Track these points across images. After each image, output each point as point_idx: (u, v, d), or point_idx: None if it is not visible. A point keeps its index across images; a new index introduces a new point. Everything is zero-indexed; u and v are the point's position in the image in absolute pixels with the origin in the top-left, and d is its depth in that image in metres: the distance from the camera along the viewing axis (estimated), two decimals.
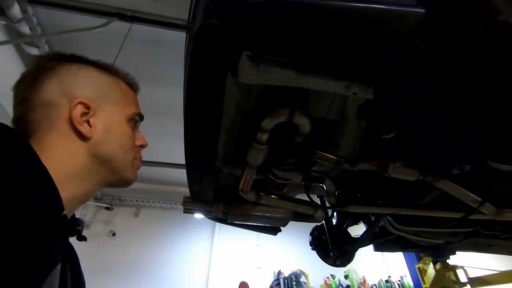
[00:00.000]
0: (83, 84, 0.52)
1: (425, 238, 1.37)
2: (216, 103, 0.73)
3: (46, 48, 1.77)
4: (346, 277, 3.59)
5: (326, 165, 1.12)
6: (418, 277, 2.38)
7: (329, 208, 1.14)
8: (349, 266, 4.02)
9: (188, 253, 3.57)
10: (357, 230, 1.47)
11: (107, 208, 3.67)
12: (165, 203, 3.78)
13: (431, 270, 1.93)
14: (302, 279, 3.29)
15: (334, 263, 1.39)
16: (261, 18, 0.50)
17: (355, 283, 3.48)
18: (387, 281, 3.64)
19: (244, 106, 0.85)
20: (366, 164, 0.92)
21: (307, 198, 1.32)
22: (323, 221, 1.44)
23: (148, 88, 2.15)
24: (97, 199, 3.64)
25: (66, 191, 0.43)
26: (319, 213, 1.27)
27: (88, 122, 0.50)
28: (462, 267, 2.10)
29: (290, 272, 3.45)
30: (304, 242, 3.89)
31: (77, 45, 1.85)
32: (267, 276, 3.55)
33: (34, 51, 1.73)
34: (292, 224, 1.63)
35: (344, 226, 1.43)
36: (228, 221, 1.31)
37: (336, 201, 1.08)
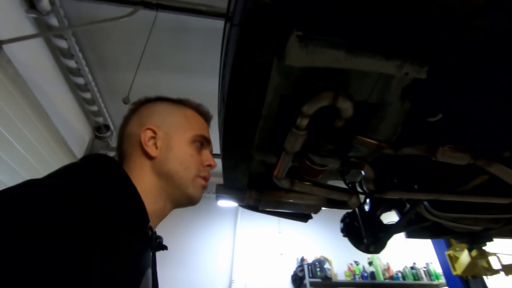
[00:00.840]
0: (153, 115, 0.62)
1: (464, 225, 1.32)
2: (261, 88, 0.71)
3: (73, 40, 1.80)
4: (370, 263, 3.56)
5: (363, 150, 1.09)
6: (447, 264, 2.33)
7: (366, 194, 1.11)
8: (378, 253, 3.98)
9: (212, 240, 3.66)
10: (386, 217, 1.43)
11: None
12: None
13: (464, 257, 1.88)
14: (326, 265, 3.30)
15: (367, 250, 1.37)
16: None
17: (380, 270, 3.45)
18: (412, 268, 3.59)
19: (282, 90, 0.82)
20: (411, 148, 0.88)
21: (338, 185, 1.30)
22: (356, 208, 1.41)
23: (172, 77, 2.16)
24: None
25: (147, 207, 0.50)
26: (353, 200, 1.25)
27: (155, 145, 0.59)
28: (495, 254, 2.03)
29: (313, 258, 3.46)
30: (327, 229, 3.91)
31: (103, 36, 1.87)
32: (290, 263, 3.59)
33: (62, 43, 1.77)
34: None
35: (377, 213, 1.40)
36: (260, 209, 1.31)
37: (374, 187, 1.06)
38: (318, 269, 3.26)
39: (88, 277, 0.31)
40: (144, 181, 0.55)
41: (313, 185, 1.18)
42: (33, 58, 1.76)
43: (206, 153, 0.68)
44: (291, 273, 3.46)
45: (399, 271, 3.55)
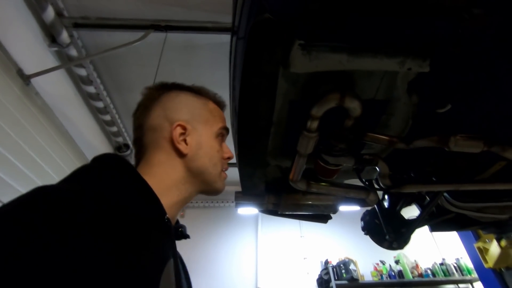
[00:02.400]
0: (181, 108, 0.61)
1: (489, 214, 1.29)
2: (270, 96, 0.75)
3: (91, 68, 1.92)
4: (397, 262, 3.46)
5: (376, 147, 1.10)
6: (477, 257, 2.24)
7: (383, 190, 1.12)
8: (399, 251, 3.88)
9: (234, 248, 3.68)
10: (408, 212, 1.42)
11: None
12: (207, 202, 3.93)
13: (494, 248, 1.81)
14: (351, 266, 3.24)
15: (390, 247, 1.36)
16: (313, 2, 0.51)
17: (407, 268, 3.35)
18: (441, 264, 3.46)
19: (291, 96, 0.86)
20: (423, 141, 0.89)
21: (355, 183, 1.31)
22: (375, 205, 1.41)
23: None
24: None
25: (167, 199, 0.51)
26: (371, 197, 1.25)
27: (185, 140, 0.58)
28: None
29: (337, 260, 3.41)
30: (349, 230, 3.85)
31: (118, 61, 1.98)
32: (315, 266, 3.55)
33: (81, 72, 1.89)
34: (334, 214, 1.62)
35: (397, 208, 1.40)
36: (279, 212, 1.34)
37: (390, 182, 1.06)
38: (343, 271, 3.21)
39: (97, 273, 0.31)
40: (169, 176, 0.55)
41: (330, 185, 1.19)
42: (57, 88, 1.89)
43: (225, 145, 0.68)
44: (316, 276, 3.42)
45: (428, 268, 3.43)
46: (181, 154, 0.57)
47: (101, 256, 0.32)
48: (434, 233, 4.00)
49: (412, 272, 3.37)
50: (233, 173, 1.19)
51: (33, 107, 1.74)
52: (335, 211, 1.38)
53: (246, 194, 1.25)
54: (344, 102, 0.79)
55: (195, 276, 3.48)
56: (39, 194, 0.34)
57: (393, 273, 3.35)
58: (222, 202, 4.00)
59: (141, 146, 0.59)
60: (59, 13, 1.54)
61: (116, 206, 0.40)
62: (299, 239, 3.77)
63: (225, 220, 3.81)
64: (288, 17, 0.54)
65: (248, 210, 3.92)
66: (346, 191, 1.21)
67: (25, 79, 1.63)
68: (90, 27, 1.60)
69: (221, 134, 0.66)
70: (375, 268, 3.45)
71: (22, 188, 1.72)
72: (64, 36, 1.61)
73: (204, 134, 0.61)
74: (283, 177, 1.24)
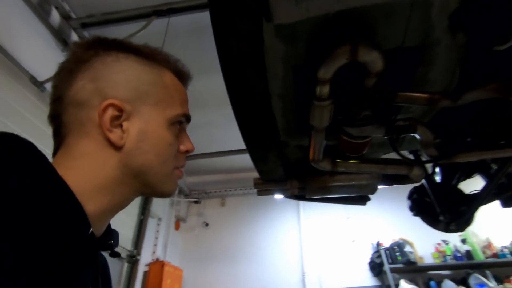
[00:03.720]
0: (119, 81, 0.43)
1: None
2: (257, 63, 0.61)
3: None
4: (463, 241, 3.05)
5: (416, 110, 0.89)
6: None
7: (428, 162, 0.91)
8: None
9: (277, 233, 3.63)
10: (469, 185, 1.16)
11: (196, 202, 4.02)
12: (246, 189, 3.92)
13: None
14: (407, 248, 2.95)
15: (447, 229, 1.13)
16: None
17: (477, 248, 2.93)
18: None
19: (293, 61, 0.71)
20: (476, 92, 0.67)
21: (395, 156, 1.10)
22: (423, 180, 1.18)
23: (202, 79, 2.17)
24: (186, 195, 4.05)
25: (94, 205, 0.38)
26: (416, 171, 1.04)
27: (121, 127, 0.42)
28: None
29: (390, 242, 3.14)
30: (400, 208, 3.48)
31: None
32: (365, 249, 3.32)
33: None
34: (382, 190, 1.41)
35: (453, 182, 1.15)
36: (307, 197, 1.20)
37: (437, 152, 0.85)
38: (397, 253, 2.93)
39: None
40: (97, 174, 0.40)
41: (360, 162, 1.02)
42: None
43: (184, 135, 0.51)
44: (367, 260, 3.20)
45: (505, 247, 2.96)
46: (114, 146, 0.41)
47: None
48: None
49: (484, 252, 2.94)
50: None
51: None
52: (372, 191, 1.19)
53: (264, 179, 1.13)
54: (357, 55, 0.61)
55: (240, 265, 3.54)
56: None
57: (459, 254, 2.97)
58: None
59: (61, 126, 0.43)
60: (66, 16, 1.57)
61: (7, 218, 0.27)
62: (346, 220, 3.55)
63: (265, 206, 3.76)
64: None
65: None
66: (382, 167, 1.02)
67: (39, 85, 1.66)
68: (96, 25, 1.60)
69: (179, 122, 0.48)
70: (437, 249, 3.09)
71: None
72: (74, 38, 1.64)
73: (151, 120, 0.44)
74: (306, 157, 1.09)
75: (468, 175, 1.18)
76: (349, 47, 0.61)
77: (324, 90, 0.70)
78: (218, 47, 0.56)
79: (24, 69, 1.59)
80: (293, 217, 3.70)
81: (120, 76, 0.44)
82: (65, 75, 0.44)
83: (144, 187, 0.45)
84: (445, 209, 1.10)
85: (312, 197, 1.21)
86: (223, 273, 3.37)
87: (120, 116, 0.42)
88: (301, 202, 3.73)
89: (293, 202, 3.74)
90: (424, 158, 1.00)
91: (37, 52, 1.63)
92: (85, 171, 0.39)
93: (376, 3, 0.53)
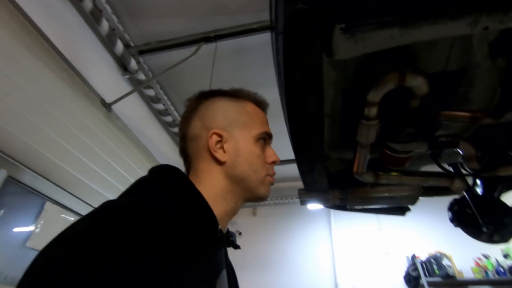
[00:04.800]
0: (216, 115, 0.60)
1: None
2: (317, 88, 0.71)
3: (158, 87, 2.17)
4: (505, 256, 2.90)
5: (456, 126, 0.94)
6: None
7: (472, 175, 0.95)
8: (508, 243, 3.21)
9: (309, 243, 3.62)
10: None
11: None
12: (277, 199, 3.97)
13: None
14: (445, 262, 2.84)
15: (490, 240, 1.14)
16: None
17: None
18: None
19: (342, 84, 0.80)
20: None
21: (435, 168, 1.15)
22: (464, 192, 1.20)
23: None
24: None
25: (217, 210, 0.51)
26: (457, 184, 1.08)
27: (222, 148, 0.57)
28: None
29: (426, 255, 3.04)
30: (437, 220, 3.40)
31: (179, 77, 2.19)
32: (399, 262, 3.23)
33: (150, 92, 2.16)
34: (417, 203, 1.43)
35: (495, 194, 1.17)
36: (348, 207, 1.26)
37: (479, 165, 0.90)
38: (435, 267, 2.84)
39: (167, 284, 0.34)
40: (214, 186, 0.55)
41: (402, 175, 1.07)
42: (133, 110, 2.22)
43: (269, 149, 0.64)
44: (402, 273, 3.11)
45: None
46: (219, 162, 0.56)
47: (161, 269, 0.34)
48: None
49: None
50: (294, 169, 1.17)
51: (115, 129, 2.07)
52: (413, 202, 1.23)
53: (309, 190, 1.21)
54: (404, 81, 0.69)
55: (272, 273, 3.56)
56: (106, 212, 0.38)
57: (502, 269, 2.82)
58: (292, 198, 4.00)
59: (187, 156, 0.61)
60: (126, 45, 1.78)
61: (173, 219, 0.41)
62: (378, 232, 3.49)
63: (296, 216, 3.79)
64: (321, 3, 0.50)
65: (318, 205, 3.82)
66: (423, 179, 1.07)
67: (107, 106, 1.91)
68: (152, 51, 1.80)
69: (262, 139, 0.62)
70: (477, 264, 2.95)
71: (106, 193, 2.14)
72: (133, 63, 1.85)
73: (241, 140, 0.59)
74: (346, 169, 1.17)
75: (510, 187, 1.19)
76: (397, 74, 0.69)
77: (372, 111, 0.78)
78: (286, 76, 0.67)
79: (96, 92, 1.84)
80: (325, 228, 3.69)
81: (216, 112, 0.61)
82: (184, 120, 0.63)
83: (246, 191, 0.58)
84: (488, 220, 1.12)
85: (354, 207, 1.27)
86: (256, 280, 3.42)
87: (221, 140, 0.57)
88: (332, 213, 3.72)
89: (324, 212, 3.74)
90: (464, 171, 1.04)
91: (104, 77, 1.86)
92: (206, 184, 0.54)
93: (423, 39, 0.62)
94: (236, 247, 0.60)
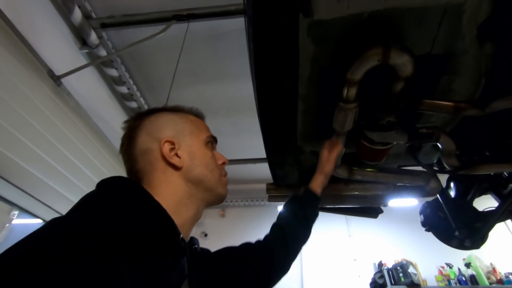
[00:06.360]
0: (163, 127, 0.62)
1: None
2: (291, 62, 0.62)
3: (122, 69, 1.98)
4: (467, 265, 2.98)
5: (436, 119, 0.89)
6: None
7: (449, 173, 0.90)
8: (469, 252, 3.36)
9: None
10: (479, 204, 1.14)
11: None
12: (247, 201, 3.87)
13: None
14: (411, 269, 2.87)
15: (461, 245, 1.11)
16: None
17: (482, 272, 2.86)
18: None
19: (320, 62, 0.71)
20: (505, 101, 0.67)
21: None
22: (437, 195, 1.16)
23: (214, 86, 2.19)
24: None
25: (178, 218, 0.51)
26: (433, 184, 1.03)
27: (176, 155, 0.59)
28: None
29: (393, 263, 3.06)
30: (404, 228, 3.46)
31: (147, 59, 2.03)
32: (366, 268, 3.24)
33: (113, 72, 1.97)
34: (385, 211, 1.38)
35: (468, 198, 1.14)
36: (319, 206, 1.18)
37: (458, 162, 0.84)
38: (401, 274, 2.86)
39: None
40: (173, 193, 0.56)
41: (377, 171, 1.01)
42: (90, 90, 2.00)
43: (216, 152, 0.69)
44: (369, 280, 3.11)
45: (510, 273, 2.89)
46: (176, 168, 0.58)
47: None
48: None
49: (488, 278, 2.87)
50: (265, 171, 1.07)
51: (66, 107, 1.81)
52: (385, 203, 1.17)
53: (278, 184, 1.11)
54: (389, 57, 0.62)
55: None
56: (52, 230, 0.37)
57: (463, 278, 2.89)
58: (263, 200, 3.91)
59: (136, 173, 0.59)
60: (87, 16, 1.60)
61: (122, 236, 0.40)
62: (347, 238, 3.48)
63: (267, 218, 3.68)
64: None
65: None
66: (399, 177, 1.01)
67: (56, 79, 1.66)
68: (116, 26, 1.63)
69: (210, 142, 0.66)
70: (440, 272, 3.01)
71: (58, 187, 1.83)
72: (93, 37, 1.67)
73: (193, 144, 0.62)
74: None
75: (482, 192, 1.17)
76: (381, 49, 0.61)
77: (351, 91, 0.70)
78: (256, 41, 0.57)
79: (43, 62, 1.60)
80: None
81: (163, 124, 0.63)
82: (128, 141, 0.62)
83: (206, 193, 0.60)
84: (460, 224, 1.08)
85: (325, 206, 1.19)
86: None
87: (174, 148, 0.59)
88: None
89: None
90: (447, 168, 0.99)
91: (56, 47, 1.65)
92: (164, 194, 0.54)
93: (413, 5, 0.54)
94: (198, 255, 0.62)
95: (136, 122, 0.64)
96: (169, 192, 0.55)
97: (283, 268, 0.82)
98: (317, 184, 0.89)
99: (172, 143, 0.59)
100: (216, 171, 0.63)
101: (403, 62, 0.63)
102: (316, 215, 0.90)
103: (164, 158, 0.58)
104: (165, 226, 0.48)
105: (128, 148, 0.61)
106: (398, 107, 0.75)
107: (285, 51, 0.63)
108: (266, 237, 0.82)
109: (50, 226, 0.38)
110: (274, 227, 0.85)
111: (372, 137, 0.81)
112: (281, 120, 0.79)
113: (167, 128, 0.62)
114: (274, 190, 1.13)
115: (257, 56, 0.62)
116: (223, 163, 0.67)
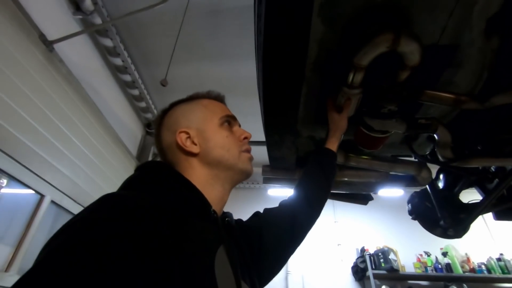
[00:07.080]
0: (178, 119, 0.67)
1: None
2: (301, 40, 0.61)
3: (117, 39, 1.90)
4: (444, 254, 3.14)
5: (434, 111, 0.90)
6: None
7: (442, 164, 0.92)
8: (447, 242, 3.53)
9: None
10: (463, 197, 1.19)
11: None
12: (241, 183, 3.89)
13: None
14: (391, 256, 3.00)
15: (444, 234, 1.16)
16: None
17: (457, 261, 3.02)
18: (499, 260, 3.06)
19: (327, 44, 0.70)
20: (505, 96, 0.68)
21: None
22: (426, 186, 1.20)
23: (210, 64, 2.14)
24: None
25: (207, 195, 0.57)
26: (424, 174, 1.06)
27: (193, 142, 0.63)
28: None
29: (375, 249, 3.19)
30: (388, 217, 3.59)
31: (144, 32, 1.95)
32: (349, 254, 3.37)
33: (108, 42, 1.90)
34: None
35: (455, 190, 1.18)
36: None
37: (452, 154, 0.87)
38: (381, 260, 2.99)
39: (168, 267, 0.39)
40: (198, 176, 0.61)
41: (372, 159, 1.03)
42: (83, 58, 1.91)
43: (237, 128, 0.70)
44: (351, 264, 3.25)
45: (483, 263, 3.06)
46: (195, 155, 0.62)
47: (163, 251, 0.40)
48: (490, 224, 3.57)
49: (462, 267, 3.03)
50: (264, 154, 1.07)
51: (57, 74, 1.72)
52: (376, 190, 1.20)
53: (274, 166, 1.12)
54: (398, 44, 0.62)
55: None
56: (109, 204, 0.42)
57: (439, 266, 3.05)
58: (253, 183, 3.94)
59: (170, 164, 0.65)
60: None
61: (171, 208, 0.48)
62: (333, 224, 3.59)
63: (255, 202, 3.75)
64: None
65: (279, 192, 3.82)
66: (392, 165, 1.04)
67: (48, 44, 1.58)
68: None
69: (226, 121, 0.68)
70: (418, 260, 3.16)
71: (48, 157, 1.78)
72: (88, 3, 1.59)
73: (207, 129, 0.65)
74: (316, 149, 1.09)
75: (468, 185, 1.21)
76: (392, 35, 0.61)
77: (357, 77, 0.70)
78: (267, 21, 0.55)
79: (34, 24, 1.52)
80: None
81: (178, 116, 0.67)
82: (156, 137, 0.69)
83: (228, 171, 0.63)
84: (445, 214, 1.13)
85: None
86: None
87: (189, 136, 0.63)
88: None
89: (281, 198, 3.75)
90: (440, 159, 1.01)
91: (49, 11, 1.56)
92: (192, 178, 0.58)
93: None
94: (234, 227, 0.64)
95: (159, 120, 0.70)
96: (194, 176, 0.60)
97: (309, 223, 0.84)
98: (333, 142, 0.86)
99: (187, 132, 0.64)
100: (234, 149, 0.65)
101: (411, 50, 0.63)
102: (334, 174, 0.89)
103: (182, 147, 0.62)
104: (198, 199, 0.55)
105: (158, 144, 0.68)
106: (401, 96, 0.76)
107: (296, 30, 0.62)
108: (291, 198, 0.84)
109: (107, 200, 0.43)
110: (297, 188, 0.85)
111: (372, 125, 0.82)
112: (282, 101, 0.78)
113: (181, 119, 0.66)
114: (270, 172, 1.14)
115: (267, 36, 0.60)
116: (245, 138, 0.69)
